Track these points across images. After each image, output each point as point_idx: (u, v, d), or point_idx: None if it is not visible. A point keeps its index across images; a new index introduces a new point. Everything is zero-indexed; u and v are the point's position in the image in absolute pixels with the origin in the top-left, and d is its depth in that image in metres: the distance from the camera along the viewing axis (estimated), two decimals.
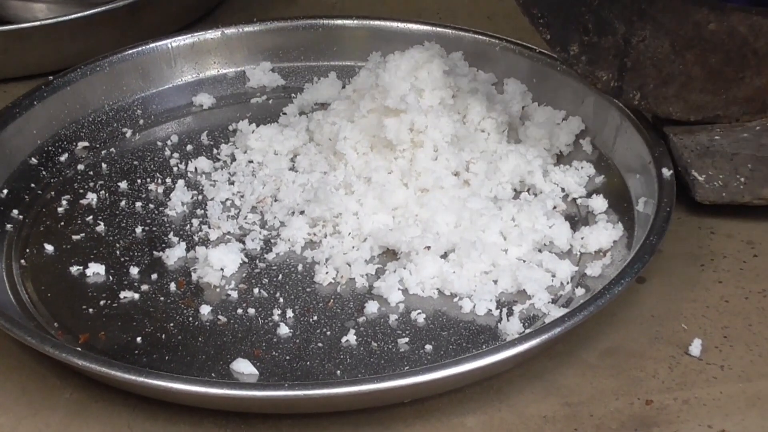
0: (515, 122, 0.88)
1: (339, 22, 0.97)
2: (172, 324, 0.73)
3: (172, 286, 0.76)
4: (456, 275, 0.74)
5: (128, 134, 0.91)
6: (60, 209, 0.83)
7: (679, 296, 0.76)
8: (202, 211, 0.82)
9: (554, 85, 0.89)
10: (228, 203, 0.83)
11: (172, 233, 0.80)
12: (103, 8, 0.98)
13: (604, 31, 0.80)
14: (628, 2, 0.79)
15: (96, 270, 0.77)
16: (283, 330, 0.72)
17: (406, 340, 0.71)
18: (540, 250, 0.77)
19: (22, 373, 0.71)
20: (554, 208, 0.81)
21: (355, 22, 0.97)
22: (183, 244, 0.79)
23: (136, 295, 0.75)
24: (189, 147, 0.89)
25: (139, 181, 0.86)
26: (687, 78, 0.82)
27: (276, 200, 0.83)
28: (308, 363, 0.70)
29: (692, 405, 0.68)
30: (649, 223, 0.75)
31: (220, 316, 0.73)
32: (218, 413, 0.67)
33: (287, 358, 0.70)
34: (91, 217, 0.82)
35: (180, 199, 0.83)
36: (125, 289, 0.75)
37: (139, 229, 0.81)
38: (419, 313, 0.73)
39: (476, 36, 0.94)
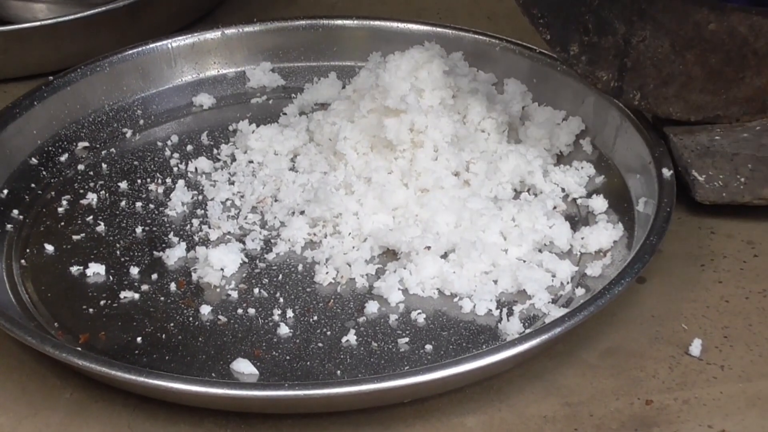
0: (515, 122, 0.88)
1: (339, 22, 0.97)
2: (172, 324, 0.73)
3: (173, 286, 0.76)
4: (456, 275, 0.75)
5: (128, 134, 0.91)
6: (60, 209, 0.83)
7: (680, 296, 0.76)
8: (203, 211, 0.82)
9: (554, 85, 0.89)
10: (228, 203, 0.83)
11: (172, 233, 0.80)
12: (103, 8, 0.98)
13: (604, 31, 0.80)
14: (628, 2, 0.79)
15: (96, 270, 0.77)
16: (284, 330, 0.72)
17: (407, 340, 0.71)
18: (540, 250, 0.77)
19: (23, 373, 0.71)
20: (554, 208, 0.81)
21: (355, 22, 0.97)
22: (183, 244, 0.79)
23: (137, 295, 0.75)
24: (189, 147, 0.89)
25: (139, 181, 0.86)
26: (687, 78, 0.82)
27: (276, 200, 0.83)
28: (308, 363, 0.70)
29: (692, 405, 0.68)
30: (649, 223, 0.75)
31: (220, 316, 0.73)
32: (218, 413, 0.67)
33: (287, 358, 0.70)
34: (91, 217, 0.82)
35: (180, 199, 0.83)
36: (125, 289, 0.75)
37: (139, 229, 0.81)
38: (419, 313, 0.73)
39: (476, 36, 0.94)
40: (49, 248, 0.79)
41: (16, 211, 0.82)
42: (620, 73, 0.81)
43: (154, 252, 0.79)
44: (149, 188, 0.85)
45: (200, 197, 0.84)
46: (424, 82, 0.83)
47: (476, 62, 0.92)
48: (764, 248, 0.80)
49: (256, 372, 0.69)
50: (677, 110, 0.83)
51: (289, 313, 0.73)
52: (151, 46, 0.94)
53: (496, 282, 0.75)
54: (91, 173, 0.87)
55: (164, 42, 0.94)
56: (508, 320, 0.72)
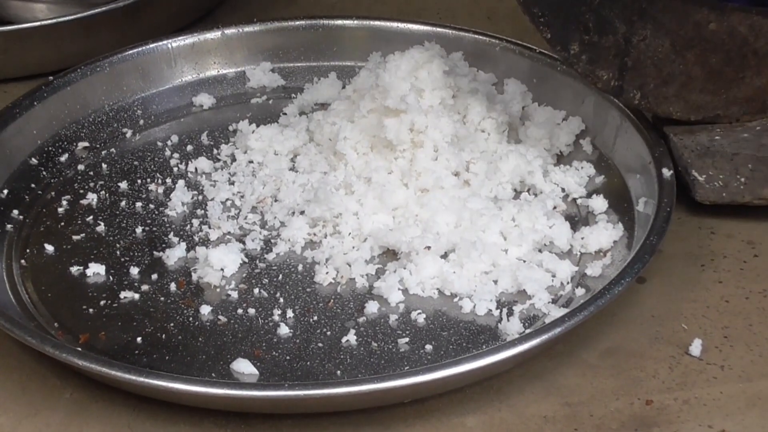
0: (515, 122, 0.88)
1: (339, 22, 0.97)
2: (172, 324, 0.73)
3: (173, 287, 0.76)
4: (456, 275, 0.74)
5: (128, 134, 0.91)
6: (60, 209, 0.83)
7: (680, 296, 0.76)
8: (203, 211, 0.82)
9: (554, 85, 0.89)
10: (228, 203, 0.83)
11: (172, 233, 0.80)
12: (103, 8, 0.98)
13: (604, 31, 0.80)
14: (629, 2, 0.79)
15: (96, 270, 0.77)
16: (284, 330, 0.72)
17: (407, 340, 0.71)
18: (540, 250, 0.77)
19: (23, 373, 0.71)
20: (554, 208, 0.81)
21: (355, 22, 0.97)
22: (183, 245, 0.79)
23: (137, 295, 0.75)
24: (189, 147, 0.89)
25: (139, 181, 0.86)
26: (687, 78, 0.82)
27: (276, 200, 0.83)
28: (308, 363, 0.70)
29: (692, 405, 0.68)
30: (649, 223, 0.75)
31: (220, 316, 0.73)
32: (218, 413, 0.67)
33: (287, 358, 0.70)
34: (91, 217, 0.82)
35: (180, 199, 0.83)
36: (125, 289, 0.75)
37: (139, 230, 0.81)
38: (419, 313, 0.73)
39: (476, 36, 0.94)
40: (49, 248, 0.79)
41: (16, 211, 0.82)
42: (620, 73, 0.81)
43: (154, 252, 0.79)
44: (149, 188, 0.85)
45: (200, 197, 0.84)
46: (424, 82, 0.83)
47: (476, 62, 0.92)
48: (764, 248, 0.80)
49: (256, 372, 0.69)
50: (677, 110, 0.83)
51: (289, 313, 0.73)
52: (151, 46, 0.94)
53: (496, 282, 0.75)
54: (91, 173, 0.87)
55: (164, 42, 0.94)
56: (508, 320, 0.72)
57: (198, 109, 0.94)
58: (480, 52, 0.93)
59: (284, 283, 0.76)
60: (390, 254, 0.78)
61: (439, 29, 0.95)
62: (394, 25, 0.96)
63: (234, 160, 0.87)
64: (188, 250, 0.78)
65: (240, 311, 0.74)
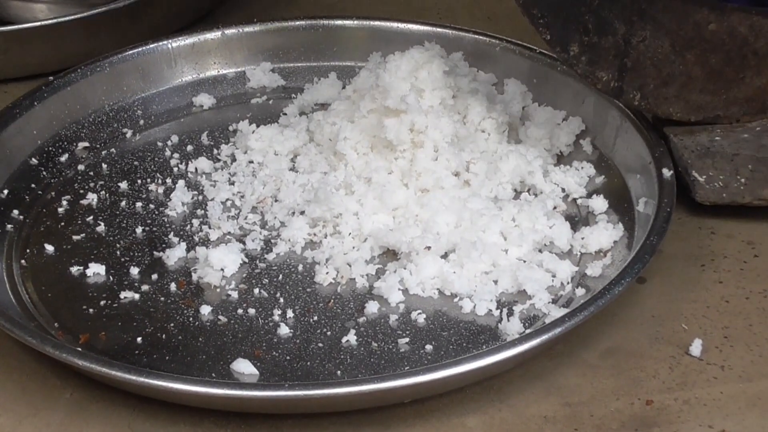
0: (515, 122, 0.88)
1: (339, 22, 0.97)
2: (172, 324, 0.73)
3: (173, 287, 0.76)
4: (456, 275, 0.74)
5: (128, 134, 0.91)
6: (60, 209, 0.83)
7: (680, 296, 0.76)
8: (203, 211, 0.82)
9: (554, 85, 0.89)
10: (228, 203, 0.83)
11: (172, 233, 0.80)
12: (104, 9, 0.98)
13: (604, 32, 0.80)
14: (628, 2, 0.79)
15: (96, 270, 0.77)
16: (284, 330, 0.72)
17: (407, 340, 0.71)
18: (540, 251, 0.77)
19: (23, 373, 0.71)
20: (554, 208, 0.81)
21: (356, 22, 0.97)
22: (183, 245, 0.79)
23: (137, 296, 0.75)
24: (189, 147, 0.89)
25: (139, 181, 0.86)
26: (687, 78, 0.82)
27: (276, 200, 0.83)
28: (308, 363, 0.70)
29: (693, 405, 0.68)
30: (649, 224, 0.75)
31: (220, 317, 0.73)
32: (219, 413, 0.67)
33: (287, 358, 0.70)
34: (91, 217, 0.82)
35: (180, 199, 0.83)
36: (125, 290, 0.75)
37: (139, 230, 0.81)
38: (419, 314, 0.73)
39: (476, 36, 0.94)
40: (50, 248, 0.79)
41: (16, 212, 0.82)
42: (620, 74, 0.81)
43: (155, 252, 0.79)
44: (149, 188, 0.85)
45: (200, 197, 0.84)
46: (425, 83, 0.83)
47: (476, 62, 0.92)
48: (764, 248, 0.80)
49: (257, 372, 0.69)
50: (677, 110, 0.83)
51: (290, 314, 0.73)
52: (151, 46, 0.94)
53: (496, 282, 0.75)
54: (92, 173, 0.87)
55: (164, 42, 0.94)
56: (508, 320, 0.72)
57: (198, 109, 0.94)
58: (480, 53, 0.93)
59: (284, 284, 0.76)
60: (390, 254, 0.78)
61: (439, 29, 0.95)
62: (395, 25, 0.96)
63: (234, 160, 0.87)
64: (188, 250, 0.78)
65: (240, 311, 0.74)
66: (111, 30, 0.99)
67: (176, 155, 0.88)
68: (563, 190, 0.83)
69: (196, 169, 0.86)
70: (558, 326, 0.67)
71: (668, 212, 0.75)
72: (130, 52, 0.93)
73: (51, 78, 0.90)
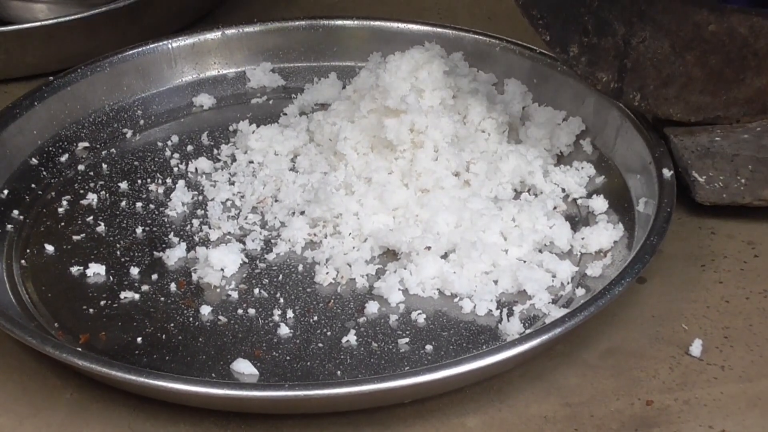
0: (516, 123, 0.88)
1: (339, 22, 0.97)
2: (172, 324, 0.73)
3: (173, 287, 0.76)
4: (456, 275, 0.75)
5: (129, 135, 0.91)
6: (60, 209, 0.83)
7: (680, 296, 0.76)
8: (203, 211, 0.82)
9: (555, 85, 0.89)
10: (228, 203, 0.83)
11: (172, 233, 0.80)
12: (104, 9, 0.98)
13: (603, 32, 0.80)
14: (628, 3, 0.79)
15: (96, 270, 0.77)
16: (284, 330, 0.72)
17: (407, 340, 0.71)
18: (540, 251, 0.77)
19: (23, 373, 0.71)
20: (555, 208, 0.81)
21: (356, 22, 0.97)
22: (183, 245, 0.79)
23: (137, 296, 0.75)
24: (189, 147, 0.89)
25: (139, 181, 0.86)
26: (687, 79, 0.82)
27: (276, 200, 0.83)
28: (308, 363, 0.70)
29: (693, 405, 0.68)
30: (649, 224, 0.75)
31: (220, 317, 0.73)
32: (219, 413, 0.67)
33: (287, 358, 0.70)
34: (91, 217, 0.82)
35: (180, 199, 0.83)
36: (125, 290, 0.75)
37: (139, 230, 0.81)
38: (419, 314, 0.73)
39: (477, 36, 0.94)
40: (50, 248, 0.79)
41: (16, 212, 0.82)
42: (620, 74, 0.81)
43: (155, 252, 0.79)
44: (149, 188, 0.85)
45: (200, 197, 0.84)
46: (425, 83, 0.83)
47: (476, 62, 0.92)
48: (765, 249, 0.80)
49: (257, 372, 0.69)
50: (677, 111, 0.83)
51: (290, 314, 0.73)
52: (152, 46, 0.94)
53: (496, 282, 0.75)
54: (92, 173, 0.87)
55: (164, 42, 0.94)
56: (508, 320, 0.72)
57: (198, 109, 0.94)
58: (480, 53, 0.93)
59: (284, 284, 0.76)
60: (390, 254, 0.78)
61: (439, 29, 0.95)
62: (395, 25, 0.96)
63: (234, 160, 0.87)
64: (188, 250, 0.78)
65: (240, 311, 0.74)
66: (111, 30, 0.99)
67: (176, 155, 0.88)
68: (563, 190, 0.83)
69: (196, 169, 0.86)
70: (558, 326, 0.67)
71: (668, 212, 0.75)
72: (130, 52, 0.93)
73: (51, 78, 0.90)
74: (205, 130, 0.91)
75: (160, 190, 0.85)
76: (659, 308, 0.75)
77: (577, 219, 0.81)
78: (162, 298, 0.75)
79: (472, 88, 0.88)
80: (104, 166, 0.88)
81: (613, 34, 0.80)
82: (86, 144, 0.89)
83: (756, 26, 0.80)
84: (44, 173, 0.86)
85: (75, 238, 0.80)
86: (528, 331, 0.71)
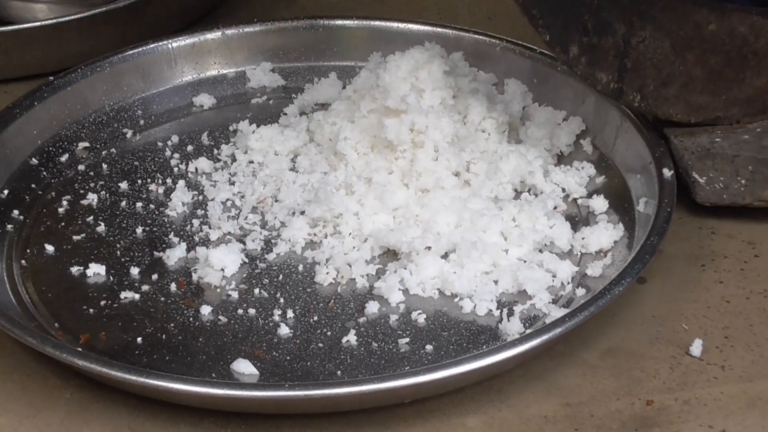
0: (516, 122, 0.88)
1: (339, 22, 0.97)
2: (172, 324, 0.73)
3: (173, 287, 0.76)
4: (456, 275, 0.74)
5: (129, 134, 0.91)
6: (60, 210, 0.83)
7: (680, 296, 0.76)
8: (203, 211, 0.82)
9: (555, 85, 0.89)
10: (228, 203, 0.83)
11: (172, 233, 0.80)
12: (104, 9, 0.98)
13: (603, 32, 0.80)
14: (628, 3, 0.79)
15: (96, 270, 0.77)
16: (284, 330, 0.72)
17: (407, 340, 0.71)
18: (541, 251, 0.77)
19: (23, 373, 0.71)
20: (555, 208, 0.81)
21: (356, 22, 0.97)
22: (183, 245, 0.79)
23: (137, 296, 0.75)
24: (189, 147, 0.89)
25: (139, 181, 0.86)
26: (687, 79, 0.82)
27: (276, 200, 0.83)
28: (309, 363, 0.70)
29: (693, 405, 0.68)
30: (649, 224, 0.75)
31: (220, 317, 0.73)
32: (219, 413, 0.67)
33: (288, 358, 0.70)
34: (91, 217, 0.82)
35: (180, 199, 0.83)
36: (126, 290, 0.75)
37: (139, 230, 0.81)
38: (420, 314, 0.73)
39: (477, 36, 0.94)
40: (50, 248, 0.79)
41: (16, 212, 0.82)
42: (620, 74, 0.81)
43: (155, 252, 0.79)
44: (150, 188, 0.85)
45: (200, 197, 0.84)
46: (425, 83, 0.83)
47: (477, 62, 0.92)
48: (765, 248, 0.80)
49: (257, 372, 0.69)
50: (677, 111, 0.83)
51: (290, 314, 0.73)
52: (152, 46, 0.94)
53: (496, 282, 0.75)
54: (92, 173, 0.87)
55: (165, 42, 0.94)
56: (508, 320, 0.72)
57: (198, 109, 0.94)
58: (480, 52, 0.93)
59: (284, 284, 0.76)
60: (390, 254, 0.78)
61: (439, 29, 0.95)
62: (395, 25, 0.96)
63: (234, 160, 0.87)
64: (188, 250, 0.78)
65: (240, 311, 0.74)
66: (111, 30, 0.99)
67: (176, 155, 0.88)
68: (563, 190, 0.83)
69: (196, 169, 0.86)
70: (558, 326, 0.67)
71: (669, 212, 0.75)
72: (130, 52, 0.93)
73: (51, 78, 0.90)
74: (206, 130, 0.91)
75: (161, 190, 0.85)
76: (659, 308, 0.75)
77: (578, 219, 0.81)
78: (162, 298, 0.75)
79: (473, 88, 0.88)
80: (104, 166, 0.88)
81: (613, 33, 0.80)
82: (86, 144, 0.89)
83: (756, 25, 0.80)
84: (44, 173, 0.86)
85: (75, 238, 0.80)
86: (528, 331, 0.71)
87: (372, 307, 0.74)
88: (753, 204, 0.80)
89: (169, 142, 0.90)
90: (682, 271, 0.78)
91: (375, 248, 0.78)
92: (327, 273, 0.76)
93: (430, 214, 0.78)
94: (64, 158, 0.88)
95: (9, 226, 0.81)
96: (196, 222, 0.81)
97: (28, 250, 0.79)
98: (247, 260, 0.78)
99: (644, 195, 0.79)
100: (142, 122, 0.92)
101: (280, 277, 0.77)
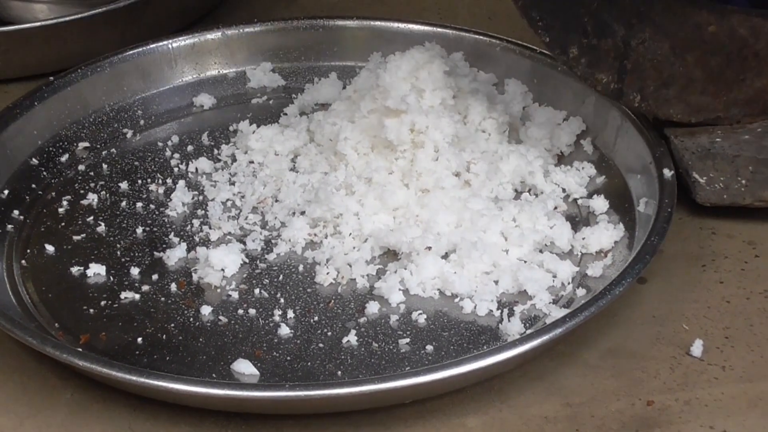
0: (516, 123, 0.88)
1: (340, 22, 0.97)
2: (172, 324, 0.73)
3: (173, 287, 0.76)
4: (457, 276, 0.74)
5: (129, 135, 0.91)
6: (61, 210, 0.83)
7: (681, 297, 0.76)
8: (203, 211, 0.82)
9: (555, 85, 0.89)
10: (229, 204, 0.83)
11: (172, 234, 0.80)
12: (104, 9, 0.98)
13: (603, 34, 0.80)
14: (628, 4, 0.79)
15: (97, 270, 0.77)
16: (284, 330, 0.72)
17: (407, 340, 0.71)
18: (541, 251, 0.77)
19: (23, 373, 0.71)
20: (555, 208, 0.81)
21: (356, 22, 0.97)
22: (184, 245, 0.79)
23: (137, 296, 0.75)
24: (190, 147, 0.89)
25: (139, 181, 0.86)
26: (687, 80, 0.82)
27: (277, 201, 0.83)
28: (309, 363, 0.70)
29: (693, 406, 0.68)
30: (650, 224, 0.75)
31: (220, 317, 0.73)
32: (219, 414, 0.67)
33: (288, 358, 0.70)
34: (91, 217, 0.82)
35: (181, 199, 0.83)
36: (126, 290, 0.75)
37: (139, 230, 0.81)
38: (420, 314, 0.73)
39: (477, 36, 0.94)
40: (50, 249, 0.79)
41: (16, 212, 0.82)
42: (620, 76, 0.81)
43: (155, 252, 0.79)
44: (150, 189, 0.85)
45: (201, 197, 0.84)
46: (425, 83, 0.83)
47: (477, 62, 0.92)
48: (765, 249, 0.80)
49: (257, 372, 0.69)
50: (678, 112, 0.83)
51: (290, 314, 0.73)
52: (152, 46, 0.94)
53: (497, 282, 0.75)
54: (92, 173, 0.87)
55: (165, 42, 0.94)
56: (509, 321, 0.72)
57: (198, 109, 0.94)
58: (480, 53, 0.93)
59: (285, 284, 0.76)
60: (391, 255, 0.78)
61: (439, 29, 0.95)
62: (395, 25, 0.96)
63: (234, 160, 0.87)
64: (189, 250, 0.78)
65: (240, 312, 0.74)
66: (111, 30, 0.99)
67: (177, 155, 0.88)
68: (564, 190, 0.83)
69: (196, 169, 0.86)
70: (559, 327, 0.67)
71: (669, 212, 0.75)
72: (131, 52, 0.93)
73: (51, 78, 0.90)
74: (206, 130, 0.91)
75: (161, 190, 0.85)
76: (660, 308, 0.75)
77: (578, 219, 0.81)
78: (162, 299, 0.75)
79: (473, 88, 0.88)
80: (104, 166, 0.88)
81: (613, 35, 0.80)
82: (86, 144, 0.89)
83: (756, 27, 0.80)
84: (44, 173, 0.86)
85: (75, 238, 0.80)
86: (529, 332, 0.71)
87: (372, 308, 0.74)
88: (753, 204, 0.80)
89: (170, 142, 0.90)
90: (682, 271, 0.78)
91: (375, 248, 0.78)
92: (327, 273, 0.76)
93: (430, 214, 0.78)
94: (64, 158, 0.88)
95: (9, 226, 0.81)
96: (196, 222, 0.81)
97: (28, 251, 0.79)
98: (247, 260, 0.78)
99: (645, 195, 0.79)
100: (142, 122, 0.92)
101: (281, 277, 0.77)
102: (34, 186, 0.85)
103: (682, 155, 0.81)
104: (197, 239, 0.80)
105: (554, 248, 0.78)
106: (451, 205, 0.79)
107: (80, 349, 0.69)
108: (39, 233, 0.81)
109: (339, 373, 0.69)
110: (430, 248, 0.75)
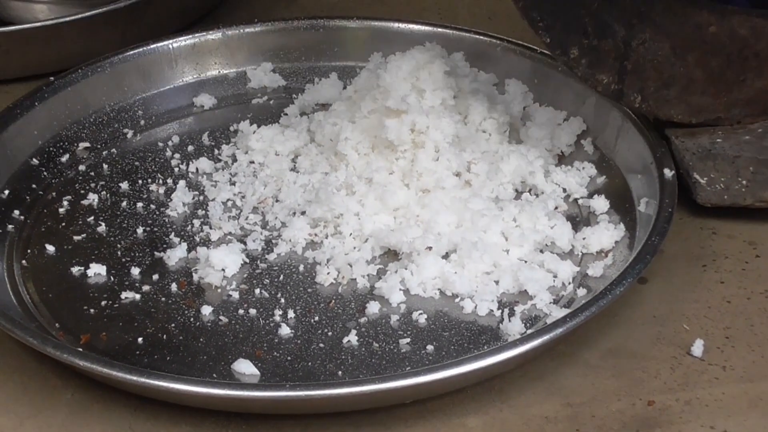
0: (516, 123, 0.88)
1: (340, 22, 0.97)
2: (173, 324, 0.73)
3: (174, 287, 0.76)
4: (457, 276, 0.74)
5: (129, 135, 0.91)
6: (61, 210, 0.83)
7: (681, 297, 0.76)
8: (204, 211, 0.82)
9: (555, 85, 0.89)
10: (229, 204, 0.83)
11: (173, 234, 0.80)
12: (104, 9, 0.98)
13: (604, 34, 0.80)
14: (628, 5, 0.79)
15: (97, 270, 0.77)
16: (285, 330, 0.72)
17: (408, 340, 0.71)
18: (541, 251, 0.77)
19: (24, 373, 0.71)
20: (556, 208, 0.81)
21: (356, 22, 0.97)
22: (184, 245, 0.79)
23: (138, 296, 0.75)
24: (190, 147, 0.89)
25: (140, 181, 0.86)
26: (688, 80, 0.82)
27: (277, 201, 0.83)
28: (309, 363, 0.70)
29: (694, 406, 0.68)
30: (650, 224, 0.75)
31: (221, 317, 0.73)
32: (220, 414, 0.67)
33: (288, 358, 0.70)
34: (92, 217, 0.82)
35: (181, 199, 0.83)
36: (126, 290, 0.75)
37: (140, 230, 0.81)
38: (421, 314, 0.73)
39: (477, 36, 0.94)
40: (50, 249, 0.79)
41: (17, 212, 0.82)
42: (620, 76, 0.81)
43: (155, 252, 0.79)
44: (150, 189, 0.85)
45: (201, 198, 0.84)
46: (425, 83, 0.83)
47: (477, 62, 0.92)
48: (766, 249, 0.80)
49: (258, 373, 0.69)
50: (678, 113, 0.83)
51: (291, 314, 0.73)
52: (152, 46, 0.94)
53: (497, 282, 0.75)
54: (92, 174, 0.87)
55: (165, 42, 0.94)
56: (509, 321, 0.72)
57: (199, 109, 0.94)
58: (481, 53, 0.93)
59: (285, 284, 0.76)
60: (391, 255, 0.78)
61: (440, 29, 0.95)
62: (395, 25, 0.96)
63: (235, 160, 0.87)
64: (189, 250, 0.78)
65: (241, 312, 0.74)
66: (111, 30, 0.99)
67: (177, 155, 0.88)
68: (564, 190, 0.83)
69: (197, 169, 0.86)
70: (559, 327, 0.67)
71: (670, 212, 0.75)
72: (131, 52, 0.93)
73: (52, 78, 0.90)
74: (206, 131, 0.91)
75: (161, 190, 0.85)
76: (660, 308, 0.75)
77: (579, 219, 0.81)
78: (163, 299, 0.75)
79: (473, 88, 0.88)
80: (105, 166, 0.88)
81: (614, 36, 0.80)
82: (87, 144, 0.89)
83: (757, 27, 0.80)
84: (45, 173, 0.86)
85: (76, 238, 0.80)
86: (529, 332, 0.71)
87: (373, 308, 0.74)
88: (754, 205, 0.80)
89: (170, 143, 0.90)
90: (683, 271, 0.78)
91: (376, 248, 0.78)
92: (328, 273, 0.76)
93: (430, 214, 0.78)
94: (64, 158, 0.88)
95: (10, 227, 0.81)
96: (196, 222, 0.81)
97: (28, 251, 0.79)
98: (247, 260, 0.78)
99: (645, 195, 0.79)
100: (142, 122, 0.92)
101: (281, 277, 0.77)
102: (34, 186, 0.85)
103: (682, 156, 0.81)
104: (198, 239, 0.80)
105: (555, 248, 0.78)
106: (452, 205, 0.79)
107: (81, 349, 0.69)
108: (39, 233, 0.81)
109: (339, 373, 0.69)
110: (430, 248, 0.75)
